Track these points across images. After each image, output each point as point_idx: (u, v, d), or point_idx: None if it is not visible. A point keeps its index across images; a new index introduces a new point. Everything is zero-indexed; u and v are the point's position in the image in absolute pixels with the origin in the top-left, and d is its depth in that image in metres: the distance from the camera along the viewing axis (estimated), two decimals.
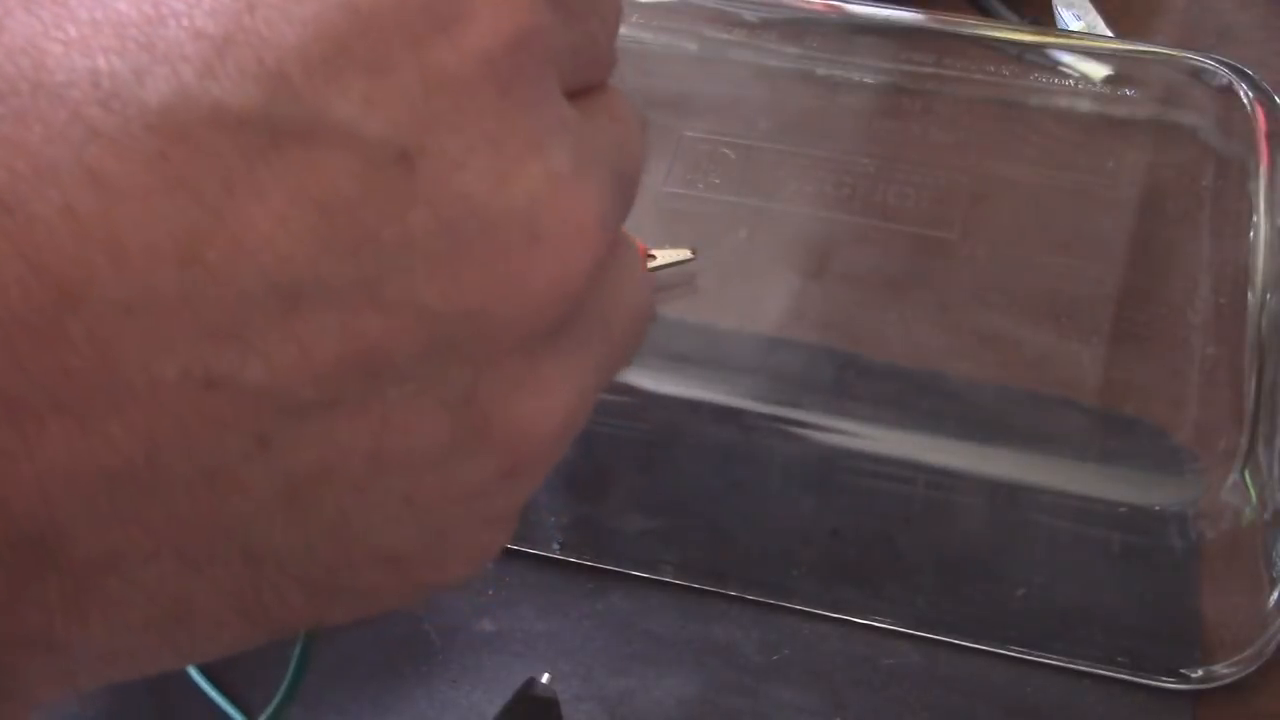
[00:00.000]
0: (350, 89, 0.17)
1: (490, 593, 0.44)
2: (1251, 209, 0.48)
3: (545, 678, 0.37)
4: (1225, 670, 0.41)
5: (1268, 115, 0.50)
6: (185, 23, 0.17)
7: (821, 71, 0.55)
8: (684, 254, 0.34)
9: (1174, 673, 0.41)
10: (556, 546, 0.45)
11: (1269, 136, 0.50)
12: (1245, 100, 0.51)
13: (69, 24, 0.17)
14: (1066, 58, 0.55)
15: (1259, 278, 0.46)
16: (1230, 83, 0.52)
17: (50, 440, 0.16)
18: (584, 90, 0.21)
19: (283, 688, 0.34)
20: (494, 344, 0.19)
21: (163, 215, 0.16)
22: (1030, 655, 0.42)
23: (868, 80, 0.55)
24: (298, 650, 0.31)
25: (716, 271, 0.47)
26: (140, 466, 0.17)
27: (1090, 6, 0.62)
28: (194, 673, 0.43)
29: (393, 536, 0.19)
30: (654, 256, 0.37)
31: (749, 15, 0.56)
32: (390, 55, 0.18)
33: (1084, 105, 0.54)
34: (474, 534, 0.21)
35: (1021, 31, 0.57)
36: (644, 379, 0.44)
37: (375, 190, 0.17)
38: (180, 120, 0.17)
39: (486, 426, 0.19)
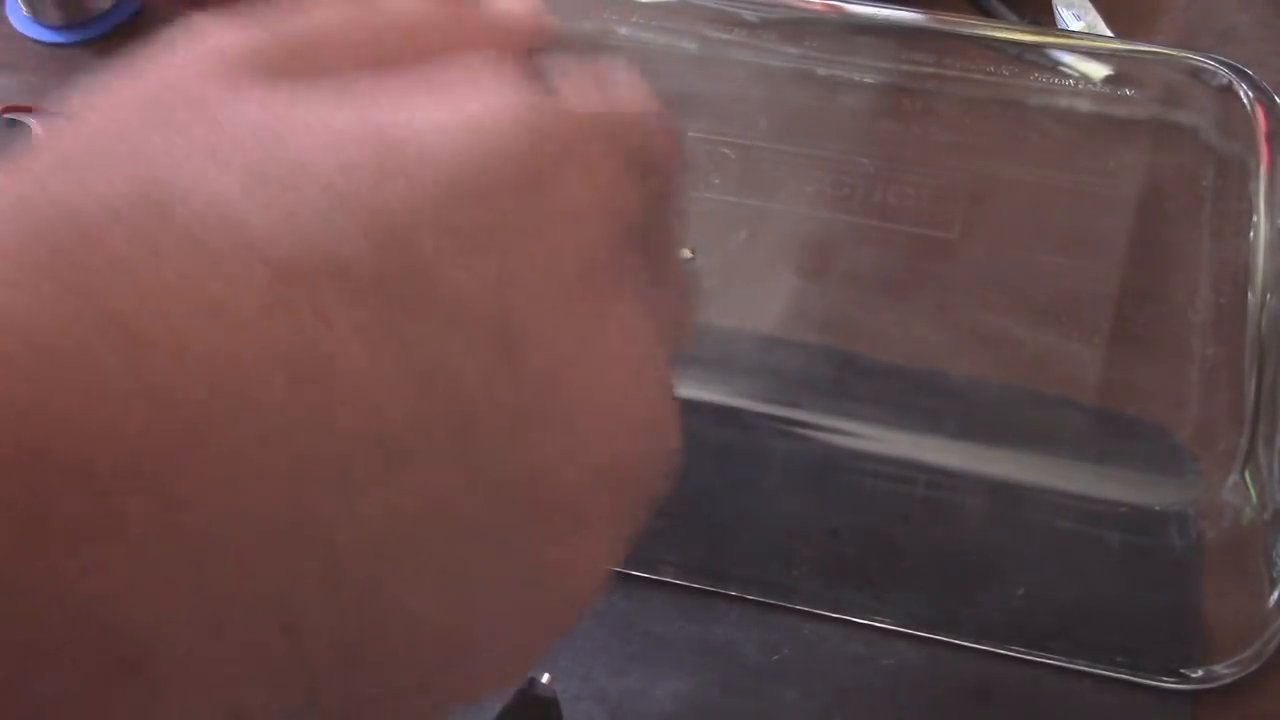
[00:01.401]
0: (467, 264, 0.18)
1: None
2: (1251, 209, 0.48)
3: (545, 678, 0.37)
4: (1225, 670, 0.41)
5: (1268, 115, 0.50)
6: (313, 174, 0.18)
7: (821, 71, 0.55)
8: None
9: (1174, 673, 0.41)
10: None
11: (1269, 136, 0.50)
12: (1245, 100, 0.51)
13: (203, 158, 0.18)
14: (1066, 58, 0.55)
15: (1259, 278, 0.46)
16: (1230, 83, 0.52)
17: (151, 557, 0.17)
18: (656, 248, 0.23)
19: None
20: (549, 506, 0.20)
21: (276, 358, 0.17)
22: (1030, 655, 0.42)
23: (868, 80, 0.55)
24: None
25: (716, 271, 0.47)
26: (223, 586, 0.17)
27: (1090, 6, 0.62)
28: None
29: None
30: None
31: (749, 15, 0.56)
32: (506, 239, 0.19)
33: (1084, 105, 0.54)
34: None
35: (1021, 31, 0.57)
36: None
37: (473, 364, 0.19)
38: (304, 270, 0.18)
39: (540, 577, 0.21)
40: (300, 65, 0.20)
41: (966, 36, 0.55)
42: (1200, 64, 0.53)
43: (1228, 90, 0.52)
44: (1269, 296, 0.45)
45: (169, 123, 0.19)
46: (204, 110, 0.19)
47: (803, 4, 0.56)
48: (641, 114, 0.23)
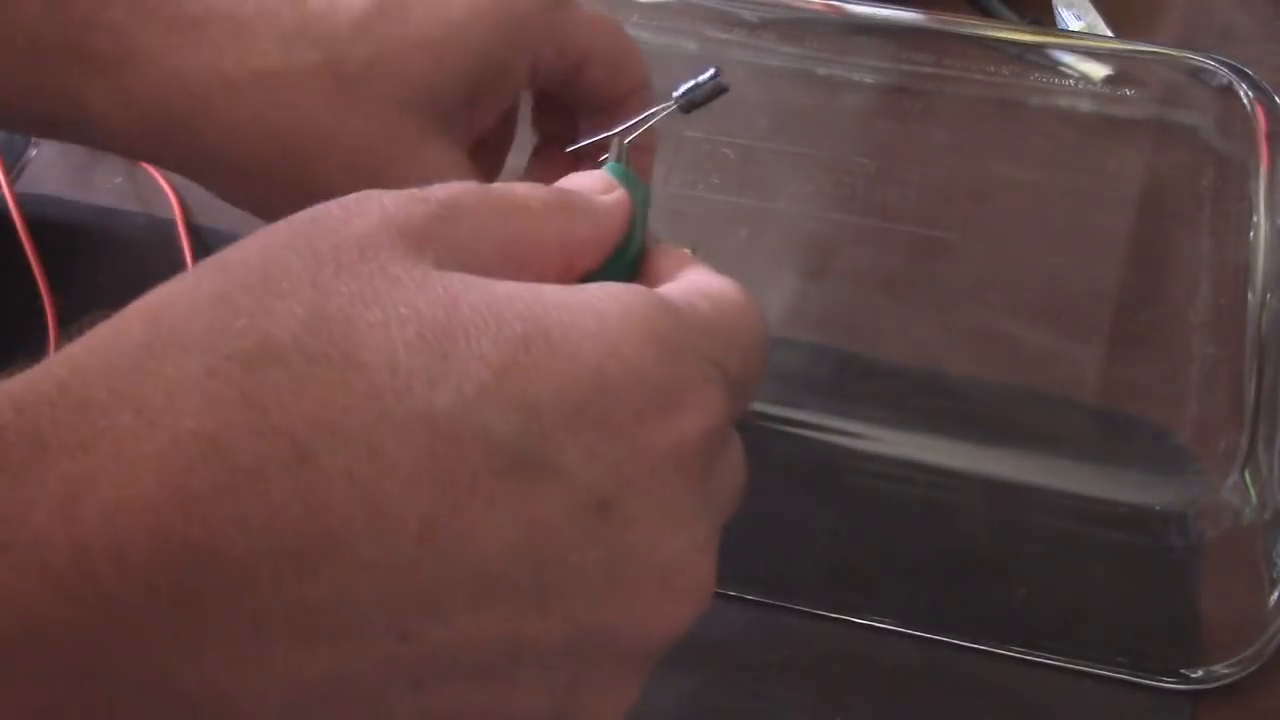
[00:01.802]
0: (581, 440, 0.22)
1: None
2: (1251, 209, 0.48)
3: None
4: (1225, 670, 0.41)
5: (1268, 115, 0.50)
6: (474, 345, 0.21)
7: (821, 71, 0.55)
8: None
9: (1174, 673, 0.41)
10: None
11: (1269, 136, 0.50)
12: (1245, 100, 0.51)
13: (377, 307, 0.21)
14: (1066, 58, 0.55)
15: (1259, 278, 0.46)
16: (1230, 83, 0.52)
17: (277, 652, 0.20)
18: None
19: None
20: (609, 654, 0.24)
21: (416, 498, 0.20)
22: (1030, 655, 0.42)
23: (868, 80, 0.55)
24: None
25: (717, 271, 0.47)
26: (330, 684, 0.20)
27: (1090, 6, 0.62)
28: None
29: None
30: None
31: (749, 15, 0.56)
32: (618, 422, 0.23)
33: (1084, 105, 0.54)
34: None
35: (1021, 31, 0.57)
36: None
37: (573, 525, 0.22)
38: (454, 428, 0.21)
39: (574, 712, 0.24)
40: (455, 237, 0.24)
41: (966, 36, 0.55)
42: (1200, 64, 0.53)
43: (1228, 90, 0.52)
44: (1269, 296, 0.45)
45: (354, 271, 0.22)
46: (386, 267, 0.22)
47: (803, 4, 0.56)
48: (742, 333, 0.27)
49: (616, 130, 0.33)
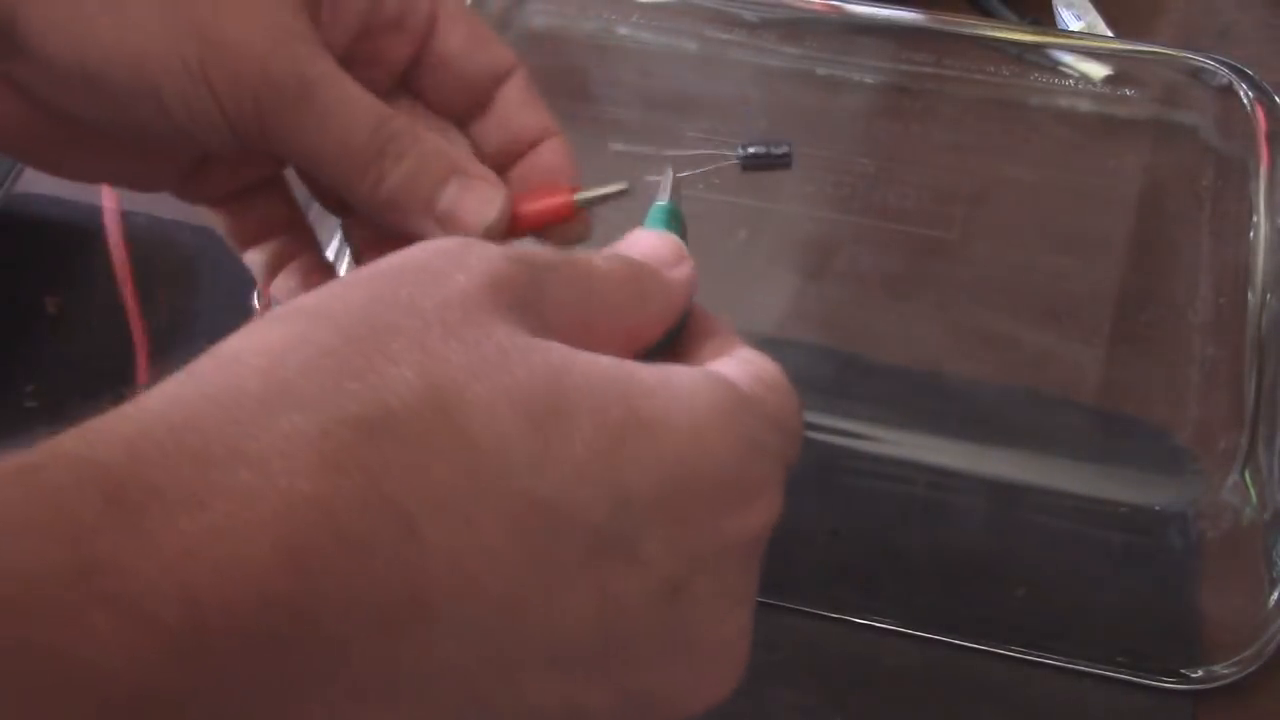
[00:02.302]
0: (664, 529, 0.24)
1: None
2: (1251, 209, 0.48)
3: None
4: (1225, 670, 0.41)
5: (1268, 115, 0.50)
6: (576, 427, 0.23)
7: (821, 71, 0.55)
8: (618, 186, 0.34)
9: (1174, 673, 0.41)
10: None
11: (1269, 136, 0.50)
12: (1245, 100, 0.51)
13: (487, 381, 0.22)
14: (1066, 58, 0.55)
15: (1259, 278, 0.46)
16: (1230, 83, 0.52)
17: (365, 714, 0.21)
18: None
19: None
20: (650, 717, 0.25)
21: (506, 573, 0.22)
22: (1030, 655, 0.42)
23: (868, 80, 0.55)
24: None
25: (716, 271, 0.47)
26: None
27: (1090, 6, 0.62)
28: None
29: None
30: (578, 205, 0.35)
31: (749, 15, 0.56)
32: (699, 514, 0.24)
33: (1084, 105, 0.54)
34: None
35: (1021, 31, 0.57)
36: None
37: (645, 606, 0.24)
38: (551, 510, 0.22)
39: None
40: (544, 303, 0.25)
41: (966, 36, 0.55)
42: (1200, 64, 0.53)
43: (1228, 90, 0.52)
44: (1269, 296, 0.45)
45: (461, 338, 0.23)
46: (491, 334, 0.23)
47: (803, 4, 0.56)
48: (796, 423, 0.28)
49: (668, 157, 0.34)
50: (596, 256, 0.28)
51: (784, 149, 0.35)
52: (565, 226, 0.35)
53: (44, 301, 0.51)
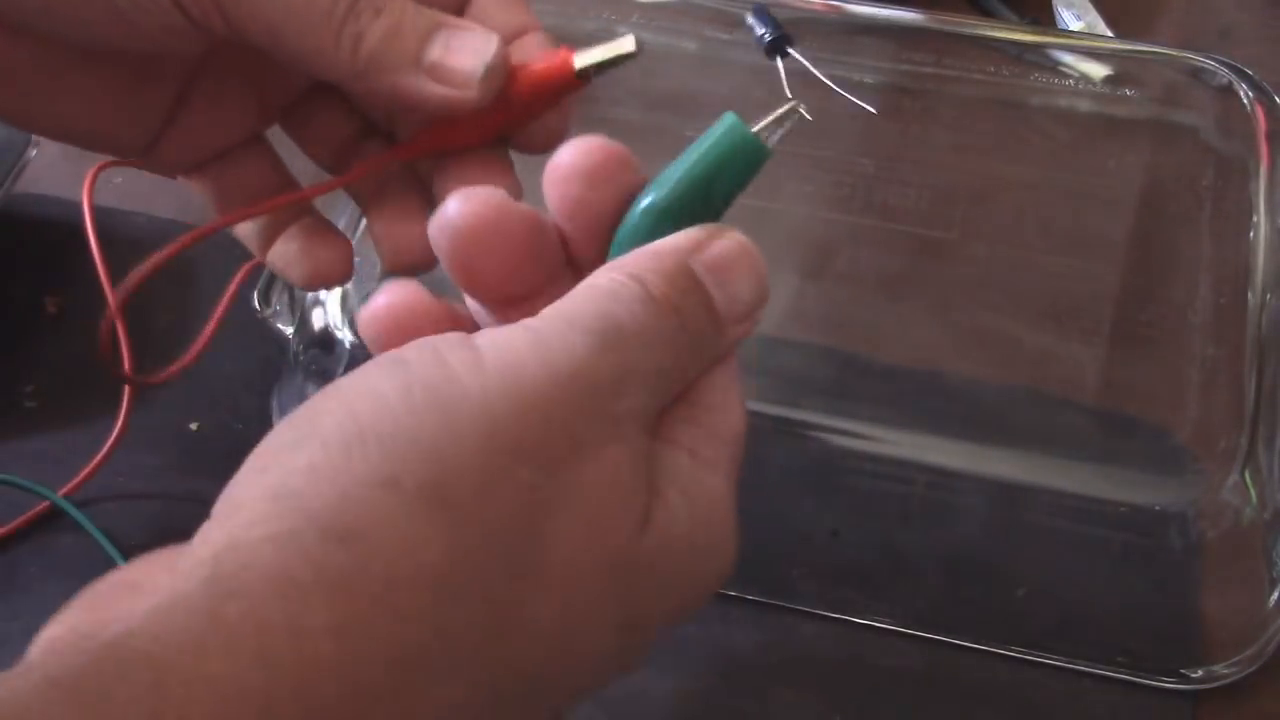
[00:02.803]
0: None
1: None
2: (1251, 209, 0.48)
3: None
4: (1225, 670, 0.41)
5: (1268, 115, 0.50)
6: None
7: (821, 71, 0.55)
8: (625, 48, 0.31)
9: (1174, 673, 0.41)
10: None
11: (1269, 136, 0.50)
12: (1245, 100, 0.51)
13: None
14: (1066, 58, 0.55)
15: (1259, 278, 0.46)
16: (1230, 83, 0.52)
17: None
18: None
19: None
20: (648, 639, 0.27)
21: None
22: (1030, 655, 0.42)
23: (868, 80, 0.54)
24: None
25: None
26: None
27: (1090, 6, 0.62)
28: None
29: None
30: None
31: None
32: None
33: (1084, 105, 0.54)
34: None
35: (1021, 31, 0.57)
36: None
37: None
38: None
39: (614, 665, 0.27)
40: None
41: (966, 36, 0.55)
42: (1200, 64, 0.53)
43: (1228, 90, 0.52)
44: (1269, 296, 0.45)
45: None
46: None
47: (803, 4, 0.56)
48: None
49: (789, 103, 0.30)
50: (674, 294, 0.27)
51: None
52: (550, 114, 0.32)
53: (44, 301, 0.51)
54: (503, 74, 0.31)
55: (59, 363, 0.50)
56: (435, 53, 0.31)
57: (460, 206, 0.27)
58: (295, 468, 0.22)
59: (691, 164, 0.29)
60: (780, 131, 0.30)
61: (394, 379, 0.24)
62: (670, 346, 0.26)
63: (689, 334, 0.27)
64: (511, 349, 0.24)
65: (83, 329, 0.49)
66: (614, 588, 0.24)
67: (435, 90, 0.31)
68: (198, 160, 0.36)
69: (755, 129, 0.29)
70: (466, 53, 0.31)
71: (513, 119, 0.32)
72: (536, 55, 0.32)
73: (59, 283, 0.50)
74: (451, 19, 0.31)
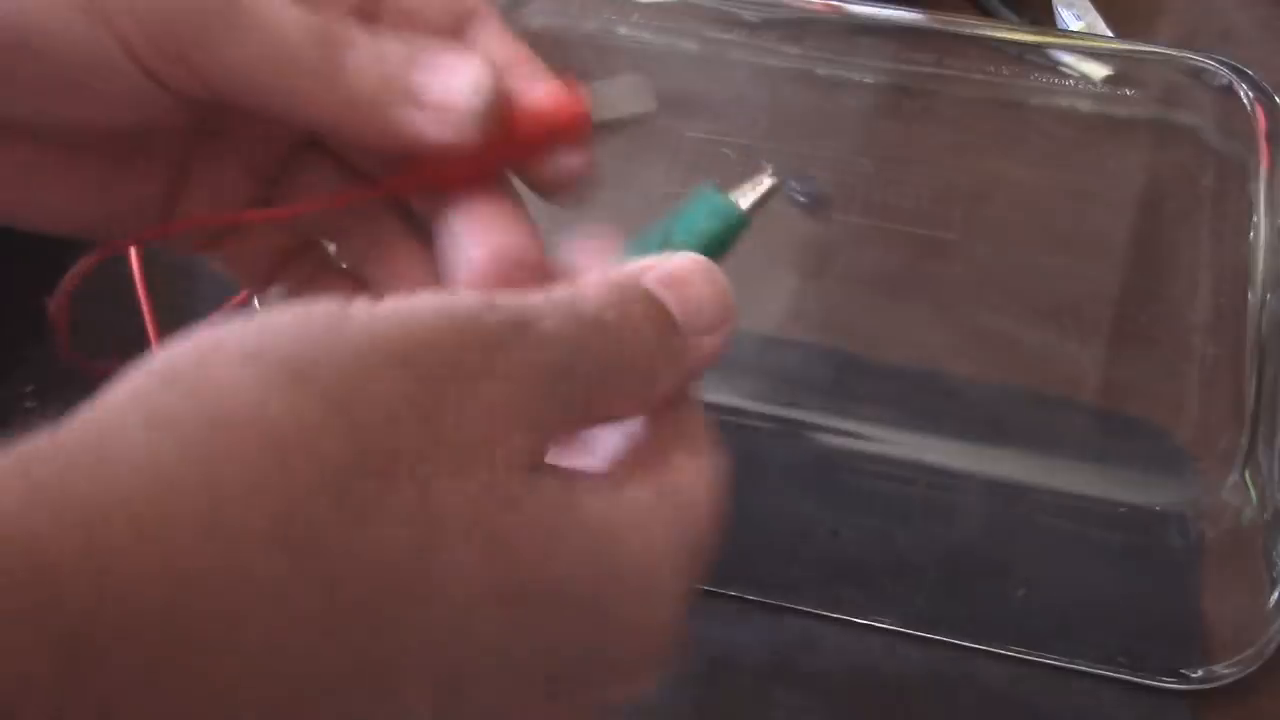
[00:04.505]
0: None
1: None
2: (1251, 209, 0.48)
3: None
4: (1225, 670, 0.41)
5: (1268, 115, 0.50)
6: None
7: (821, 71, 0.55)
8: (646, 106, 0.29)
9: (1174, 673, 0.41)
10: None
11: (1269, 136, 0.50)
12: (1245, 100, 0.51)
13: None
14: (1066, 58, 0.55)
15: (1259, 278, 0.46)
16: (1230, 83, 0.52)
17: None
18: None
19: None
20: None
21: None
22: (1030, 655, 0.42)
23: (868, 80, 0.55)
24: None
25: None
26: None
27: (1090, 6, 0.62)
28: None
29: None
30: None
31: (749, 15, 0.56)
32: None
33: (1084, 105, 0.54)
34: None
35: (1021, 31, 0.57)
36: None
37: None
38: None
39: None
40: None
41: (966, 36, 0.55)
42: (1200, 64, 0.53)
43: (1228, 90, 0.52)
44: (1269, 296, 0.45)
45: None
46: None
47: (803, 4, 0.56)
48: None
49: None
50: (612, 298, 0.25)
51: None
52: (567, 150, 0.29)
53: (44, 301, 0.51)
54: (498, 98, 0.28)
55: (59, 363, 0.50)
56: (422, 81, 0.28)
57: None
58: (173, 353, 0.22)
59: (669, 231, 0.29)
60: (754, 199, 0.30)
61: (292, 310, 0.22)
62: (582, 352, 0.24)
63: (628, 344, 0.25)
64: (409, 297, 0.23)
65: (83, 329, 0.49)
66: (484, 532, 0.21)
67: (429, 125, 0.28)
68: (206, 236, 0.34)
69: (734, 197, 0.29)
70: (459, 81, 0.28)
71: (514, 157, 0.30)
72: (542, 91, 0.29)
73: (59, 283, 0.50)
74: (438, 44, 0.29)
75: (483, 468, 0.22)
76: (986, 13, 0.62)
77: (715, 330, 0.27)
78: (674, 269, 0.27)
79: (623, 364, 0.25)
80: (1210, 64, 0.53)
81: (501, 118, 0.28)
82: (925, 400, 0.45)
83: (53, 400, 0.50)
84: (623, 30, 0.56)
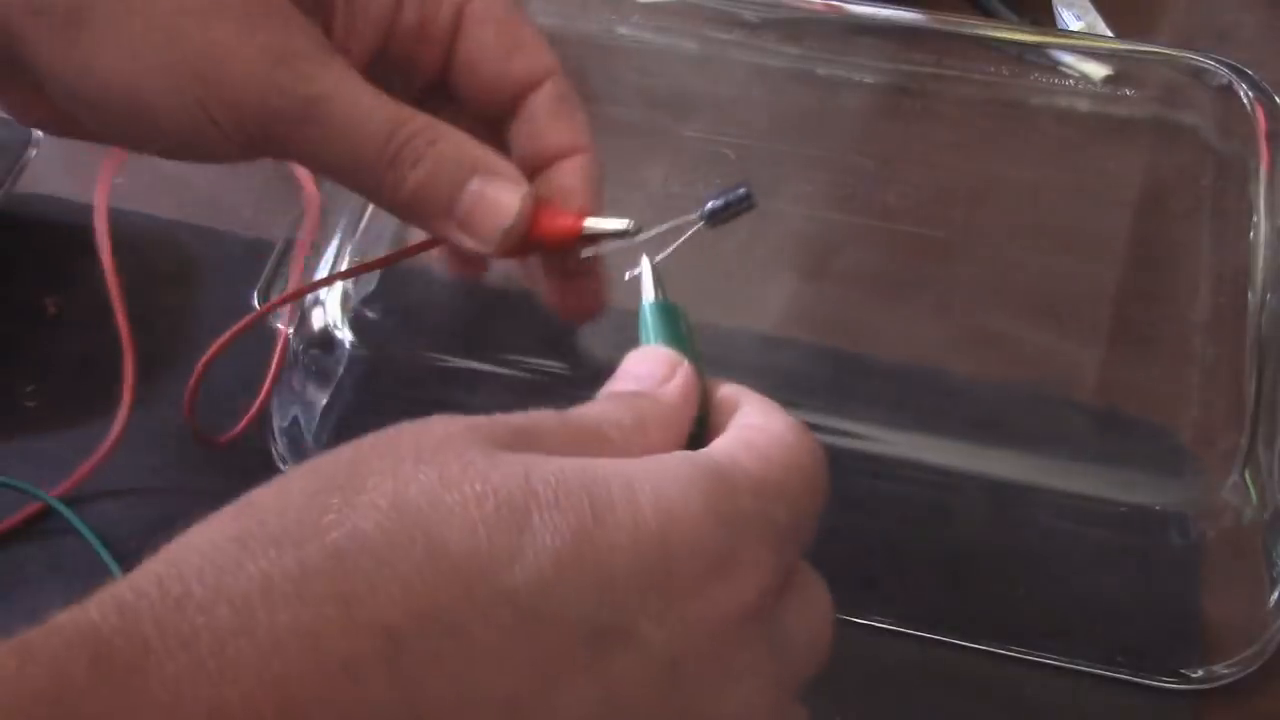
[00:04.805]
0: (650, 607, 0.23)
1: None
2: (1251, 209, 0.48)
3: None
4: (1225, 670, 0.41)
5: (1268, 115, 0.50)
6: (546, 518, 0.23)
7: (821, 71, 0.55)
8: (621, 224, 0.34)
9: (1174, 673, 0.41)
10: None
11: (1269, 136, 0.50)
12: (1245, 100, 0.51)
13: (455, 489, 0.23)
14: (1066, 58, 0.55)
15: (1259, 278, 0.46)
16: (1230, 83, 0.52)
17: None
18: (793, 576, 0.28)
19: None
20: None
21: (502, 676, 0.22)
22: (1030, 655, 0.42)
23: (868, 80, 0.55)
24: None
25: (717, 271, 0.47)
26: None
27: (1090, 6, 0.62)
28: None
29: None
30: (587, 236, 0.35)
31: (749, 15, 0.56)
32: (681, 588, 0.24)
33: (1084, 105, 0.54)
34: None
35: (1021, 31, 0.57)
36: None
37: (647, 685, 0.24)
38: (536, 605, 0.22)
39: None
40: (521, 446, 0.25)
41: (966, 36, 0.55)
42: (1200, 64, 0.53)
43: (1228, 90, 0.52)
44: (1269, 296, 0.45)
45: (431, 461, 0.23)
46: (462, 454, 0.24)
47: (803, 4, 0.56)
48: (789, 480, 0.27)
49: (644, 237, 0.34)
50: (593, 412, 0.28)
51: (742, 190, 0.35)
52: (564, 251, 0.35)
53: (44, 301, 0.51)
54: (524, 228, 0.34)
55: (59, 363, 0.50)
56: (464, 205, 0.33)
57: None
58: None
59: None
60: (652, 281, 0.33)
61: None
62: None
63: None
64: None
65: (83, 329, 0.49)
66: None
67: (461, 239, 0.34)
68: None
69: (658, 299, 0.33)
70: (491, 212, 0.33)
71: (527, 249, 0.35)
72: (554, 207, 0.34)
73: (59, 283, 0.50)
74: (489, 160, 0.34)
75: None
76: (986, 13, 0.62)
77: (671, 376, 0.30)
78: (617, 377, 0.30)
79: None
80: (1210, 64, 0.53)
81: (524, 232, 0.34)
82: (925, 400, 0.45)
83: (53, 400, 0.50)
84: (623, 30, 0.56)
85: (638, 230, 0.34)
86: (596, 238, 0.34)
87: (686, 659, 0.24)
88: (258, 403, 0.46)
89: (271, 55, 0.32)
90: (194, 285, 0.53)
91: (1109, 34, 0.60)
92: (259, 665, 0.20)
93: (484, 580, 0.22)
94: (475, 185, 0.33)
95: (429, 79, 0.36)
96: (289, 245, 0.51)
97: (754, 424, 0.28)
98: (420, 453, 0.24)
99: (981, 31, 0.56)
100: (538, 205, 0.34)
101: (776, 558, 0.26)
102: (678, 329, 0.32)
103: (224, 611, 0.20)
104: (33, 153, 0.53)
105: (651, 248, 0.34)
